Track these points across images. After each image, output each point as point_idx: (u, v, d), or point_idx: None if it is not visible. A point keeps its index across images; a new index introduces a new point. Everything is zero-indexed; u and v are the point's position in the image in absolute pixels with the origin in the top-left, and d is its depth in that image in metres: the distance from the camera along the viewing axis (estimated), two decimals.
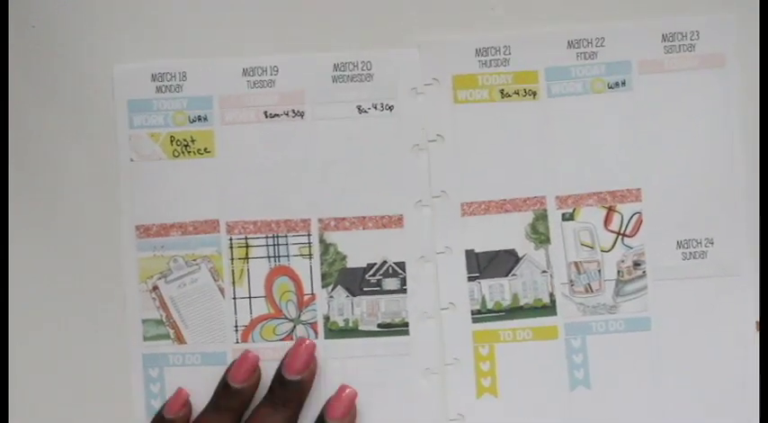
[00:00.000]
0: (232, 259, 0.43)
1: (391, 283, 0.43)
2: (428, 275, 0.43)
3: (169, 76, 0.43)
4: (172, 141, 0.43)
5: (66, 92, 0.43)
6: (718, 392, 0.42)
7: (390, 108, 0.43)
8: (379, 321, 0.43)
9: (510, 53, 0.42)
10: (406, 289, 0.43)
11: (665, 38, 0.42)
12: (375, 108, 0.43)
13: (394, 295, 0.43)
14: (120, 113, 0.43)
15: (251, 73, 0.43)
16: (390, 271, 0.43)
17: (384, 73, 0.43)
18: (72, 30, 0.43)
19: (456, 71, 0.42)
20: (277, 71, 0.43)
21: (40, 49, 0.43)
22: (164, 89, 0.43)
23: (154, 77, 0.43)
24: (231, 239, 0.43)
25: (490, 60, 0.42)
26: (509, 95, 0.42)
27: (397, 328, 0.43)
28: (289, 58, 0.43)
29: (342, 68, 0.43)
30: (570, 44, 0.42)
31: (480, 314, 0.43)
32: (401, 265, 0.43)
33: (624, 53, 0.42)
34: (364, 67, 0.43)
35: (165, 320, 0.43)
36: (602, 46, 0.42)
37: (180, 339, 0.43)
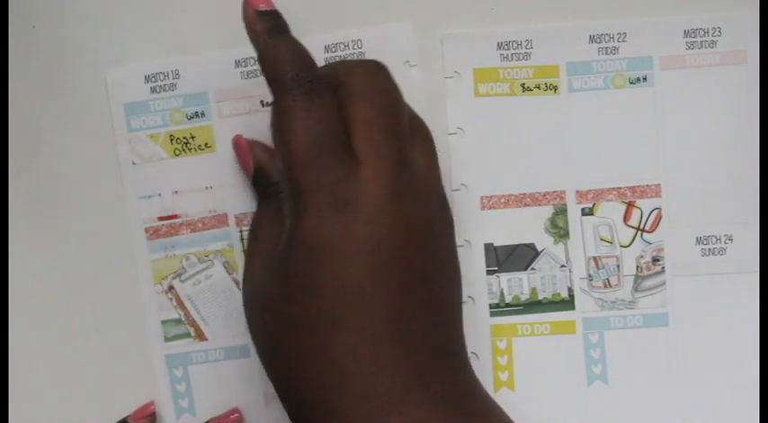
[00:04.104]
0: (244, 251, 0.43)
1: None
2: None
3: (162, 76, 0.42)
4: (172, 140, 0.43)
5: (68, 94, 0.43)
6: (737, 389, 0.42)
7: None
8: None
9: (531, 47, 0.42)
10: None
11: (686, 34, 0.42)
12: None
13: None
14: (117, 117, 0.43)
15: (243, 64, 0.42)
16: None
17: (375, 49, 0.42)
18: (74, 30, 0.43)
19: (477, 65, 0.42)
20: None
21: (41, 50, 0.43)
22: (158, 89, 0.42)
23: (147, 79, 0.42)
24: (241, 231, 0.43)
25: (512, 54, 0.42)
26: (530, 89, 0.42)
27: None
28: None
29: (333, 49, 0.42)
30: (592, 39, 0.42)
31: (499, 308, 0.43)
32: None
33: (646, 49, 0.42)
34: (355, 46, 0.42)
35: (184, 319, 0.43)
36: (623, 41, 0.42)
37: (201, 336, 0.43)
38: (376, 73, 0.36)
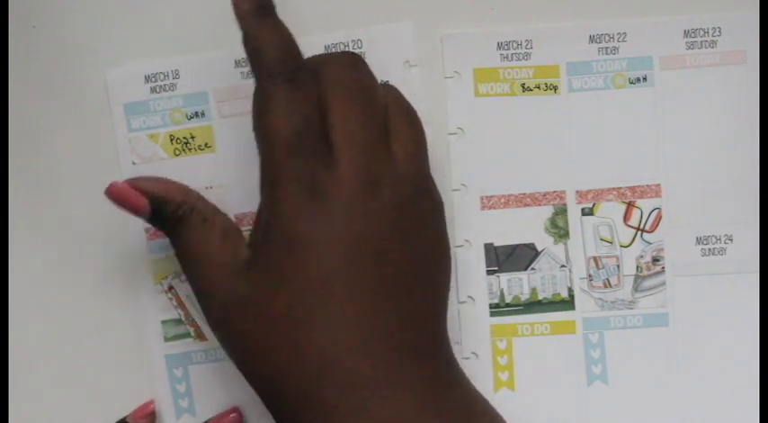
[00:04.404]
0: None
1: None
2: None
3: (162, 76, 0.42)
4: (172, 140, 0.43)
5: (68, 94, 0.43)
6: (737, 389, 0.42)
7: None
8: None
9: (531, 47, 0.42)
10: None
11: (686, 34, 0.42)
12: None
13: None
14: (118, 117, 0.43)
15: (243, 64, 0.42)
16: None
17: (375, 50, 0.42)
18: (74, 30, 0.43)
19: (477, 65, 0.42)
20: None
21: (41, 50, 0.43)
22: (158, 89, 0.42)
23: (147, 79, 0.42)
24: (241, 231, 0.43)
25: (512, 54, 0.42)
26: (530, 89, 0.42)
27: None
28: None
29: (333, 49, 0.42)
30: (592, 39, 0.42)
31: (498, 308, 0.43)
32: None
33: (646, 49, 0.42)
34: (355, 46, 0.42)
35: (183, 319, 0.43)
36: (623, 41, 0.42)
37: (201, 336, 0.43)
38: (350, 64, 0.36)
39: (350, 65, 0.37)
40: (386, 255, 0.34)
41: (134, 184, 0.37)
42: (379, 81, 0.42)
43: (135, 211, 0.37)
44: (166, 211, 0.37)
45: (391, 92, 0.38)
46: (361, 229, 0.34)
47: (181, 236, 0.37)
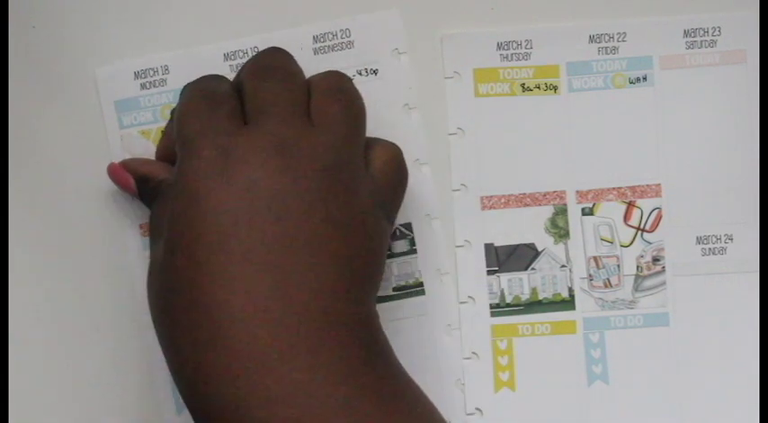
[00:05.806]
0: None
1: (400, 246, 0.42)
2: (436, 232, 0.42)
3: (152, 72, 0.42)
4: (163, 136, 0.42)
5: (59, 92, 0.43)
6: (737, 389, 0.42)
7: (375, 72, 0.42)
8: (394, 285, 0.42)
9: (531, 47, 0.42)
10: (415, 249, 0.42)
11: (686, 33, 0.42)
12: (360, 74, 0.42)
13: (405, 257, 0.42)
14: (109, 115, 0.42)
15: (232, 57, 0.42)
16: (398, 233, 0.42)
17: (364, 38, 0.42)
18: (73, 30, 0.43)
19: (477, 65, 0.42)
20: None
21: (41, 49, 0.43)
22: (148, 85, 0.42)
23: (137, 75, 0.42)
24: None
25: (512, 54, 0.42)
26: (530, 89, 0.42)
27: (412, 288, 0.42)
28: (266, 36, 0.42)
29: (322, 40, 0.42)
30: (592, 39, 0.42)
31: (499, 308, 0.43)
32: (408, 227, 0.42)
33: (646, 48, 0.42)
34: (344, 36, 0.42)
35: None
36: (623, 41, 0.42)
37: None
38: (265, 54, 0.38)
39: (265, 54, 0.38)
40: (292, 217, 0.33)
41: (124, 164, 0.41)
42: (368, 69, 0.42)
43: (124, 187, 0.41)
44: (148, 187, 0.39)
45: (324, 76, 0.38)
46: (262, 185, 0.33)
47: (153, 207, 0.38)
